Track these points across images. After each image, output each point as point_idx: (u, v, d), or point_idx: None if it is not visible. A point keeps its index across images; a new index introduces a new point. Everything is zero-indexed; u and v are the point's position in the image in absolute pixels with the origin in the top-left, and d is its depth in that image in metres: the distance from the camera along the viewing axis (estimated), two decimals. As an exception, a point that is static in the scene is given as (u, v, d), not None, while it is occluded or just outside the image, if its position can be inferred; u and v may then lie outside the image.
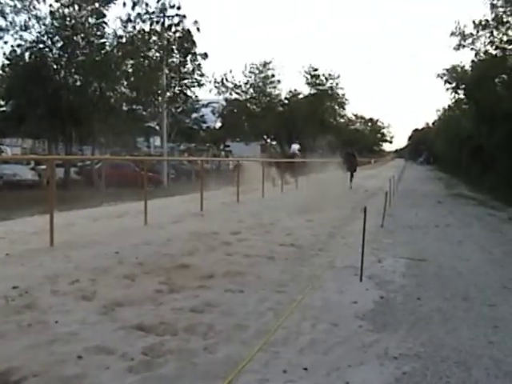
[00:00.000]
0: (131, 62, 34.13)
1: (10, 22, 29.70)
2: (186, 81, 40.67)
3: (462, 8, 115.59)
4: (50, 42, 31.02)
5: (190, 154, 56.50)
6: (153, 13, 34.59)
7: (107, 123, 32.29)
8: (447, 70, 39.95)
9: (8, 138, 45.79)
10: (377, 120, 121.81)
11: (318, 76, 66.40)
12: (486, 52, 31.68)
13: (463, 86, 37.57)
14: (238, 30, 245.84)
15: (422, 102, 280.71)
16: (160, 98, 37.09)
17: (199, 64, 39.80)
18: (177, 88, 40.22)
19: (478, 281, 8.04)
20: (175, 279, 7.31)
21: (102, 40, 32.24)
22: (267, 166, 27.01)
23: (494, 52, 31.07)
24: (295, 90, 66.85)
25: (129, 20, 32.95)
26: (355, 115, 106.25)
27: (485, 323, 5.94)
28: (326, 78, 66.77)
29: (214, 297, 6.55)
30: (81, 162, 35.34)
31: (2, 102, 39.87)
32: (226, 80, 59.39)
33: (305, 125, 60.50)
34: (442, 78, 39.47)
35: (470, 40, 31.70)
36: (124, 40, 33.06)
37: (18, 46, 30.78)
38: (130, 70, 34.11)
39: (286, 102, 65.74)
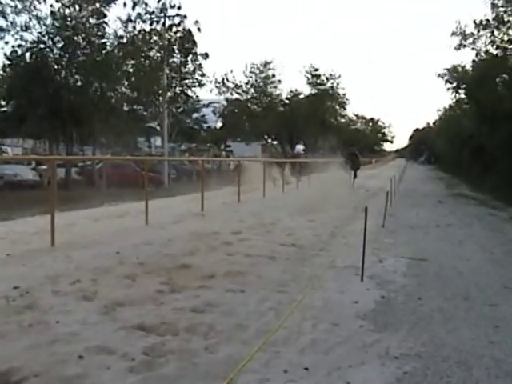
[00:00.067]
0: (132, 62, 34.15)
1: (11, 23, 29.78)
2: (186, 81, 40.73)
3: (462, 8, 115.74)
4: (50, 43, 31.12)
5: (191, 154, 56.49)
6: (152, 12, 34.64)
7: (108, 123, 32.34)
8: (448, 69, 39.94)
9: (9, 138, 45.87)
10: (378, 120, 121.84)
11: (319, 76, 66.38)
12: (486, 52, 31.68)
13: (464, 85, 37.55)
14: (239, 30, 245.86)
15: (423, 101, 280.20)
16: (161, 98, 37.14)
17: (200, 64, 39.89)
18: (178, 88, 40.29)
19: (478, 280, 8.04)
20: (176, 279, 7.31)
21: (103, 40, 32.29)
22: (268, 165, 26.99)
23: (494, 52, 31.06)
24: (296, 90, 66.85)
25: (129, 20, 33.00)
26: (356, 115, 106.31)
27: (486, 323, 5.94)
28: (327, 78, 66.76)
29: (215, 297, 6.55)
30: (82, 162, 35.38)
31: (3, 103, 40.00)
32: (227, 80, 59.40)
33: (306, 125, 60.48)
34: (442, 77, 39.47)
35: (470, 40, 31.70)
36: (125, 40, 33.09)
37: (19, 46, 30.87)
38: (131, 70, 34.15)
39: (287, 101, 65.72)
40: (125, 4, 32.56)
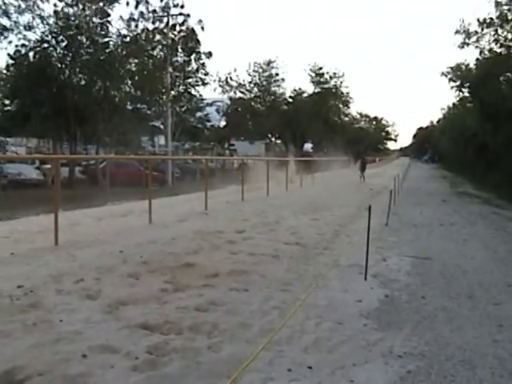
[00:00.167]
0: (135, 61, 34.16)
1: (15, 22, 29.79)
2: (190, 80, 40.80)
3: (462, 8, 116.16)
4: (54, 42, 31.12)
5: (195, 153, 56.56)
6: (154, 11, 34.63)
7: (112, 122, 32.37)
8: (451, 68, 40.04)
9: (13, 137, 45.95)
10: (381, 118, 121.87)
11: (323, 74, 66.41)
12: (490, 50, 31.69)
13: (468, 84, 37.58)
14: (242, 29, 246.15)
15: (427, 100, 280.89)
16: (164, 97, 37.14)
17: (203, 63, 39.93)
18: (181, 87, 40.36)
19: (482, 279, 8.03)
20: (180, 278, 7.31)
21: (106, 39, 32.28)
22: (272, 164, 26.96)
23: (498, 50, 31.07)
24: (299, 89, 66.95)
25: (132, 19, 33.02)
26: (360, 114, 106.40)
27: (489, 322, 5.93)
28: (331, 77, 66.79)
29: (219, 296, 6.55)
30: (85, 161, 35.41)
31: (7, 102, 40.04)
32: (231, 79, 59.55)
33: (309, 123, 60.53)
34: (446, 76, 39.55)
35: (474, 38, 31.72)
36: (128, 39, 33.10)
37: (23, 45, 30.86)
38: (135, 69, 34.14)
39: (291, 100, 65.79)
40: (127, 3, 32.62)
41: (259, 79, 61.67)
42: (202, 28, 37.26)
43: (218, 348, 4.88)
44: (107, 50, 32.11)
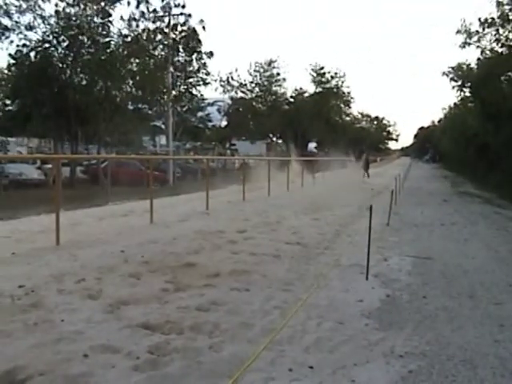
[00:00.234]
0: (137, 60, 34.16)
1: (16, 22, 29.80)
2: (191, 79, 40.74)
3: (462, 8, 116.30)
4: (55, 42, 31.10)
5: (196, 153, 56.58)
6: (154, 10, 34.60)
7: (113, 122, 32.41)
8: (453, 67, 39.99)
9: (14, 137, 45.99)
10: (382, 118, 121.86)
11: (324, 74, 66.40)
12: (491, 50, 31.68)
13: (469, 83, 37.56)
14: (244, 29, 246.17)
15: (428, 100, 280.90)
16: (165, 97, 37.10)
17: (205, 63, 39.89)
18: (182, 87, 40.31)
19: (483, 279, 8.03)
20: (181, 278, 7.32)
21: (108, 39, 32.28)
22: (273, 164, 26.94)
23: (499, 50, 31.06)
24: (301, 89, 66.92)
25: (133, 19, 33.01)
26: (361, 113, 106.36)
27: (491, 322, 5.93)
28: (332, 77, 66.78)
29: (220, 295, 6.55)
30: (87, 161, 35.41)
31: (8, 102, 40.06)
32: (232, 78, 59.51)
33: (310, 123, 60.52)
34: (447, 75, 39.53)
35: (475, 38, 31.72)
36: (129, 39, 33.09)
37: (24, 45, 30.87)
38: (136, 69, 34.14)
39: (292, 100, 65.78)
40: (129, 3, 32.61)
41: (260, 79, 61.65)
42: (204, 28, 37.28)
43: (219, 348, 4.88)
44: (108, 50, 32.11)
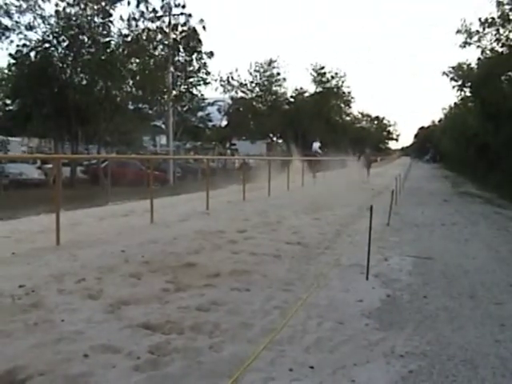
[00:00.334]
0: (137, 60, 34.15)
1: (16, 22, 29.79)
2: (191, 79, 40.74)
3: (462, 8, 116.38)
4: (55, 42, 31.09)
5: (196, 153, 56.59)
6: (154, 10, 34.56)
7: (113, 122, 32.42)
8: (453, 67, 40.00)
9: (14, 136, 46.02)
10: (383, 118, 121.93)
11: (324, 74, 66.47)
12: (492, 49, 31.68)
13: (469, 83, 37.56)
14: (244, 29, 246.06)
15: (428, 100, 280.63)
16: (166, 97, 37.09)
17: (205, 63, 39.89)
18: (183, 86, 40.32)
19: (484, 279, 8.02)
20: (181, 278, 7.31)
21: (108, 39, 32.27)
22: (273, 164, 26.94)
23: (500, 50, 31.06)
24: (301, 89, 67.00)
25: (133, 18, 32.99)
26: (361, 113, 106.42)
27: (491, 322, 5.93)
28: (332, 76, 66.85)
29: (220, 295, 6.55)
30: (87, 160, 35.41)
31: (9, 102, 40.07)
32: (232, 78, 59.56)
33: (311, 123, 60.54)
34: (447, 75, 39.54)
35: (476, 37, 31.73)
36: (129, 39, 33.08)
37: (24, 45, 30.86)
38: (136, 69, 34.13)
39: (292, 100, 65.85)
40: (129, 2, 32.60)
41: (260, 79, 61.71)
42: (204, 27, 37.28)
43: (219, 348, 4.88)
44: (108, 50, 32.09)
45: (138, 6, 33.09)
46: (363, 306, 6.37)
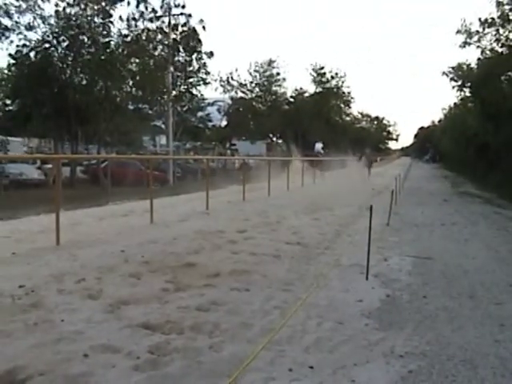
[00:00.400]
0: (137, 60, 34.12)
1: (16, 22, 29.77)
2: (191, 79, 40.72)
3: (462, 8, 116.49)
4: (55, 42, 31.06)
5: (196, 153, 56.57)
6: (153, 9, 34.52)
7: (113, 122, 32.38)
8: (453, 67, 40.02)
9: (13, 136, 45.99)
10: (382, 118, 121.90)
11: (324, 74, 66.48)
12: (491, 50, 31.70)
13: (469, 83, 37.58)
14: (244, 29, 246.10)
15: (428, 100, 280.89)
16: (165, 97, 37.07)
17: (205, 63, 39.87)
18: (182, 87, 40.29)
19: (484, 279, 8.02)
20: (181, 278, 7.32)
21: (108, 39, 32.24)
22: (273, 164, 26.95)
23: (499, 50, 31.08)
24: (301, 89, 67.01)
25: (133, 18, 32.96)
26: (361, 113, 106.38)
27: (491, 322, 5.93)
28: (332, 77, 66.85)
29: (220, 295, 6.55)
30: (87, 160, 35.42)
31: (9, 102, 40.04)
32: (232, 78, 59.55)
33: (311, 123, 60.52)
34: (447, 75, 39.57)
35: (475, 38, 31.75)
36: (129, 39, 33.05)
37: (24, 45, 30.83)
38: (136, 69, 34.10)
39: (292, 100, 65.85)
40: (129, 3, 32.56)
41: (260, 79, 61.71)
42: (204, 27, 37.25)
43: (219, 348, 4.88)
44: (108, 50, 32.06)
45: (137, 6, 33.07)
46: (363, 306, 6.37)
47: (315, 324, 5.65)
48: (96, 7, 31.06)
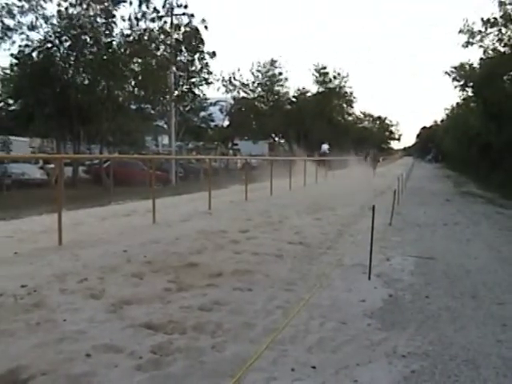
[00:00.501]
0: (139, 60, 34.11)
1: (18, 22, 29.79)
2: (193, 79, 40.75)
3: (463, 8, 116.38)
4: (57, 42, 31.05)
5: (198, 153, 56.57)
6: (155, 9, 34.49)
7: (115, 122, 32.35)
8: (455, 67, 39.97)
9: (17, 136, 46.00)
10: (385, 118, 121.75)
11: (327, 74, 66.50)
12: (494, 49, 31.67)
13: (471, 83, 37.54)
14: (246, 29, 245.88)
15: (431, 99, 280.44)
16: (168, 97, 37.06)
17: (207, 63, 39.90)
18: (185, 86, 40.32)
19: (486, 279, 8.01)
20: (183, 278, 7.32)
21: (110, 39, 32.22)
22: (275, 164, 26.97)
23: (502, 49, 31.06)
24: (303, 88, 67.02)
25: (135, 18, 32.94)
26: (363, 113, 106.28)
27: (493, 322, 5.92)
28: (335, 77, 66.88)
29: (223, 295, 6.55)
30: (89, 160, 35.43)
31: (11, 101, 40.05)
32: (234, 78, 59.57)
33: (313, 123, 60.53)
34: (449, 75, 39.54)
35: (478, 37, 31.72)
36: (131, 39, 33.04)
37: (26, 45, 30.84)
38: (138, 69, 34.09)
39: (294, 100, 65.86)
40: (131, 2, 32.55)
41: (263, 79, 61.75)
42: (206, 27, 37.25)
43: (221, 347, 4.88)
44: (111, 50, 32.05)
45: (140, 5, 33.06)
46: (365, 305, 6.37)
47: (318, 324, 5.65)
48: (99, 7, 31.05)
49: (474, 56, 54.93)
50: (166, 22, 35.79)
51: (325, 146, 42.52)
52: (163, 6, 35.40)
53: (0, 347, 4.70)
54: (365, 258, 8.12)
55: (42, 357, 4.47)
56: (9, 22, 29.58)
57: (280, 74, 61.92)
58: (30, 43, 30.77)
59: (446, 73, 39.71)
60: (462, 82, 39.34)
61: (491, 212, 18.32)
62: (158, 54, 35.23)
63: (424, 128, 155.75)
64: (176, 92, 38.75)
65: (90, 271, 7.55)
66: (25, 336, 4.96)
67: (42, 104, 31.03)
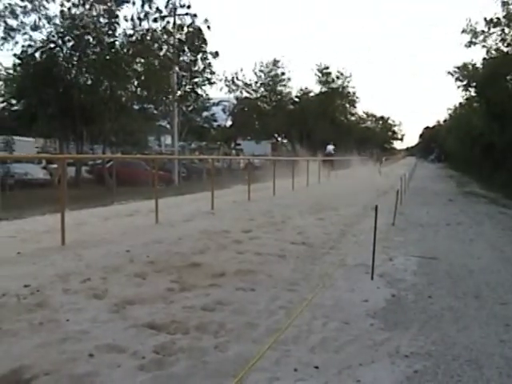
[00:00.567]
0: (142, 60, 34.11)
1: (21, 22, 29.82)
2: (196, 79, 40.76)
3: (463, 8, 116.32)
4: (60, 42, 31.06)
5: (201, 153, 56.61)
6: (157, 8, 34.49)
7: (118, 122, 32.38)
8: (458, 67, 39.97)
9: (20, 136, 46.07)
10: (388, 118, 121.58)
11: (329, 74, 66.47)
12: (497, 49, 31.65)
13: (474, 83, 37.52)
14: (248, 29, 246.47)
15: (433, 100, 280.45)
16: (171, 97, 37.08)
17: (210, 63, 39.92)
18: (187, 86, 40.32)
19: (489, 279, 8.01)
20: (186, 278, 7.32)
21: (113, 39, 32.22)
22: (278, 164, 26.96)
23: (505, 49, 31.04)
24: (306, 88, 67.00)
25: (138, 18, 32.94)
26: (366, 113, 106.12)
27: (496, 322, 5.92)
28: (337, 77, 66.85)
29: (226, 295, 6.55)
30: (92, 160, 35.46)
31: (14, 102, 40.09)
32: (237, 78, 59.54)
33: (316, 123, 60.51)
34: (452, 75, 39.54)
35: (481, 37, 31.71)
36: (134, 39, 33.05)
37: (29, 46, 30.85)
38: (141, 69, 34.09)
39: (297, 100, 65.83)
40: (134, 3, 32.56)
41: (265, 79, 61.72)
42: (209, 27, 37.27)
43: (224, 347, 4.88)
44: (113, 50, 32.05)
45: (142, 6, 33.07)
46: (368, 305, 6.36)
47: (321, 324, 5.65)
48: (102, 7, 31.05)
49: (476, 56, 54.93)
50: (168, 22, 35.91)
51: (330, 147, 42.56)
52: (166, 6, 35.51)
53: (3, 347, 4.71)
54: (368, 258, 8.12)
55: (45, 357, 4.47)
56: (12, 22, 29.68)
57: (283, 73, 61.94)
58: (32, 43, 30.81)
59: (449, 73, 39.77)
60: (464, 82, 39.36)
61: (494, 212, 18.31)
62: (161, 54, 35.24)
63: (427, 128, 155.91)
64: (179, 92, 38.78)
65: (92, 271, 7.55)
66: (28, 336, 4.96)
67: (44, 104, 31.05)
